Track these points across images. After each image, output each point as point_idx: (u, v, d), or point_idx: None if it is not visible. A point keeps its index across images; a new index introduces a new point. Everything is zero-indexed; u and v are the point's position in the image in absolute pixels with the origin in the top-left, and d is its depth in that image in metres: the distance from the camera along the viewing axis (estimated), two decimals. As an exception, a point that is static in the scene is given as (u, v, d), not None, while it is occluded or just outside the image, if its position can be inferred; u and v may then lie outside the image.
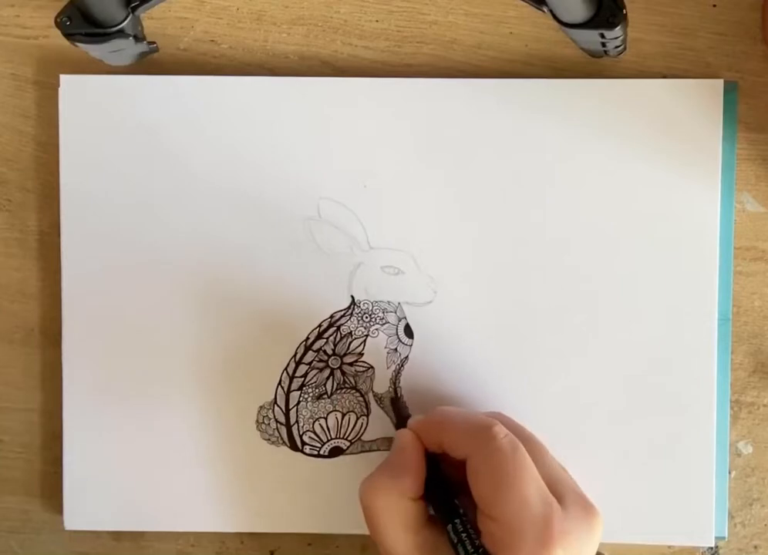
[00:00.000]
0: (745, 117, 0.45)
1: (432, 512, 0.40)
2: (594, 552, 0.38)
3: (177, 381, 0.45)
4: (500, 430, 0.38)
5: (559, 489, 0.38)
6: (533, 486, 0.37)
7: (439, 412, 0.41)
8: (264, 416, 0.45)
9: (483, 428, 0.38)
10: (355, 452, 0.45)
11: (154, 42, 0.45)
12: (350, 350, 0.45)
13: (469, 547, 0.37)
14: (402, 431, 0.41)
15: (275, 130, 0.45)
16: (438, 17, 0.46)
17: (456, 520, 0.38)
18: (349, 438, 0.45)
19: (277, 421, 0.45)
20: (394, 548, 0.38)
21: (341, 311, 0.45)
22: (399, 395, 0.41)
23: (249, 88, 0.45)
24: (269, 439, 0.45)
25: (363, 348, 0.45)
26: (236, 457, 0.45)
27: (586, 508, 0.38)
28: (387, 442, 0.45)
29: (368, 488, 0.39)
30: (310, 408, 0.45)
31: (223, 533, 0.46)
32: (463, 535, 0.38)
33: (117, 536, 0.47)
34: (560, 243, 0.44)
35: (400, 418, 0.43)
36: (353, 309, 0.45)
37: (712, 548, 0.45)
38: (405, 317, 0.45)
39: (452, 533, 0.38)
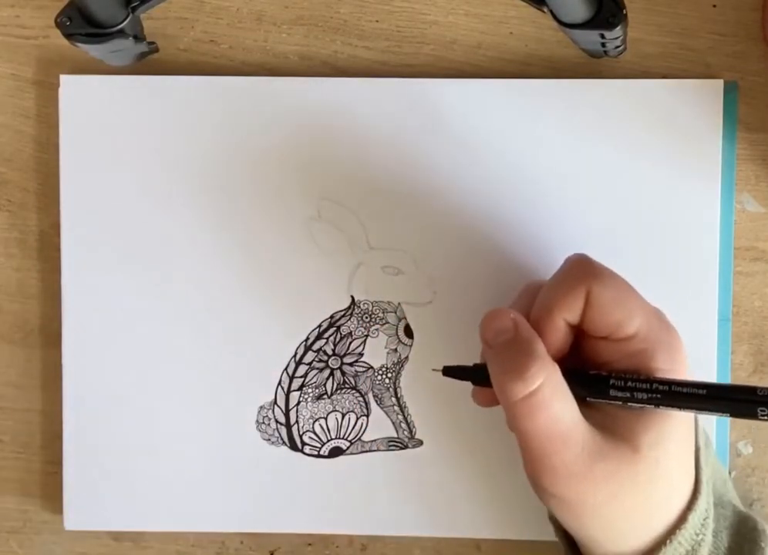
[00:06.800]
0: (745, 117, 0.45)
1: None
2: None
3: (177, 381, 0.45)
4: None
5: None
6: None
7: (525, 288, 0.41)
8: (264, 416, 0.45)
9: (581, 267, 0.38)
10: (355, 453, 0.45)
11: (154, 42, 0.45)
12: (350, 350, 0.45)
13: (642, 386, 0.36)
14: (500, 315, 0.38)
15: (275, 130, 0.45)
16: (438, 17, 0.46)
17: (610, 375, 0.37)
18: (349, 439, 0.45)
19: (277, 421, 0.45)
20: (562, 420, 0.36)
21: (342, 311, 0.45)
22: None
23: (249, 88, 0.45)
24: (269, 439, 0.45)
25: (363, 348, 0.45)
26: (236, 457, 0.45)
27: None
28: (386, 443, 0.45)
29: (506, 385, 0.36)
30: (310, 408, 0.45)
31: (223, 533, 0.46)
32: (629, 382, 0.36)
33: (117, 536, 0.47)
34: (560, 243, 0.44)
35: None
36: (353, 309, 0.45)
37: (712, 548, 0.45)
38: (405, 318, 0.45)
39: (617, 387, 0.36)
